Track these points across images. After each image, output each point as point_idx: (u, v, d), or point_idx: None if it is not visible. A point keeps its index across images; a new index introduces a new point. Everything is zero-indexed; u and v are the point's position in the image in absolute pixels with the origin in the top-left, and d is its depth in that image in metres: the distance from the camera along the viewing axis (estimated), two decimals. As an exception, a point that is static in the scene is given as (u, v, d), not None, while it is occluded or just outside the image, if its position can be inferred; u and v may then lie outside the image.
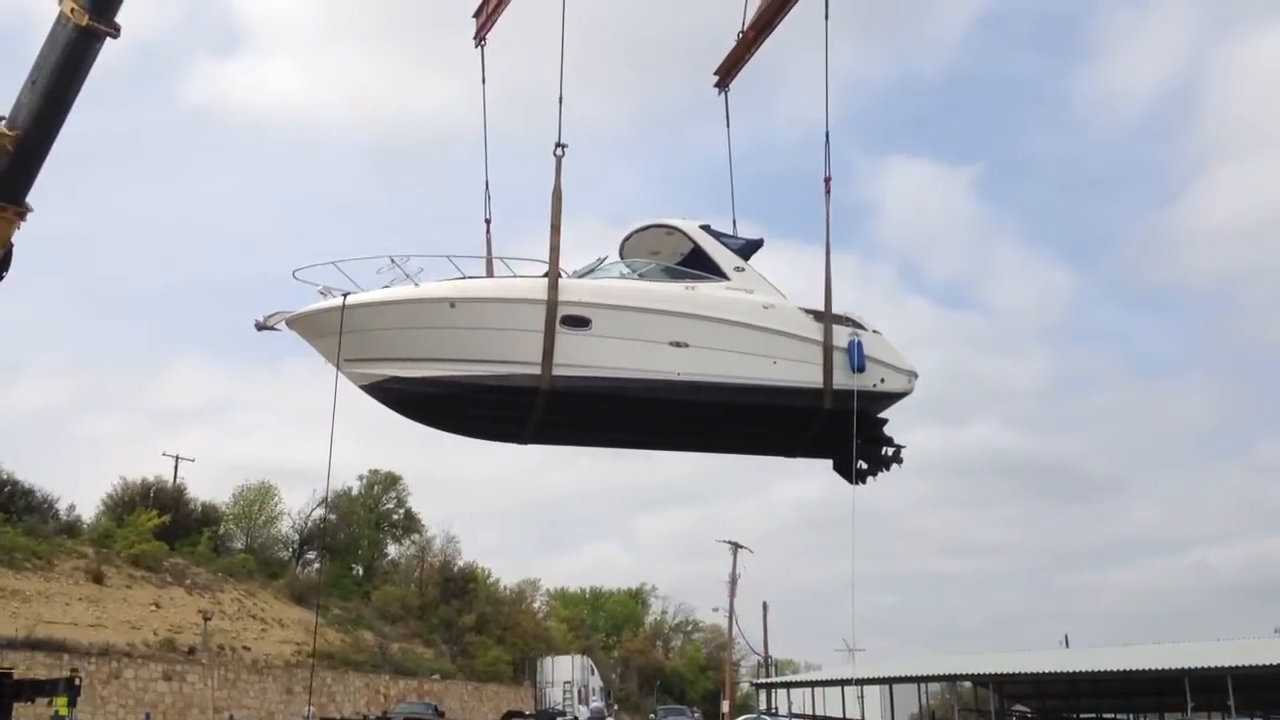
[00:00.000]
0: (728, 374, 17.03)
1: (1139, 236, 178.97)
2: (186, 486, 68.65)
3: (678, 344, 16.80)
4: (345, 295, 16.13)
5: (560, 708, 65.75)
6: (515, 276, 16.98)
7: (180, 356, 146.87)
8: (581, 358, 16.36)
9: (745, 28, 20.75)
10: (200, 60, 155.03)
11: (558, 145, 16.96)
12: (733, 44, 21.14)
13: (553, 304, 16.26)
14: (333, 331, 16.19)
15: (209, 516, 68.48)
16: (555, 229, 16.66)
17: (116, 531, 58.35)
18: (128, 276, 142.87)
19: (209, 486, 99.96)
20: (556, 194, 16.82)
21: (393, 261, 16.23)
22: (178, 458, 69.19)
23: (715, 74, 21.56)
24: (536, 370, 16.21)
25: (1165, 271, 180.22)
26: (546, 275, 16.54)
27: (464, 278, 16.79)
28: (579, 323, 16.43)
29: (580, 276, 17.45)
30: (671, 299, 17.18)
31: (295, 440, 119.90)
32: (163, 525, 59.30)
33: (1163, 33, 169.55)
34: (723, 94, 21.35)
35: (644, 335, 16.69)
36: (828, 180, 18.27)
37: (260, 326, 16.72)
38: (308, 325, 16.69)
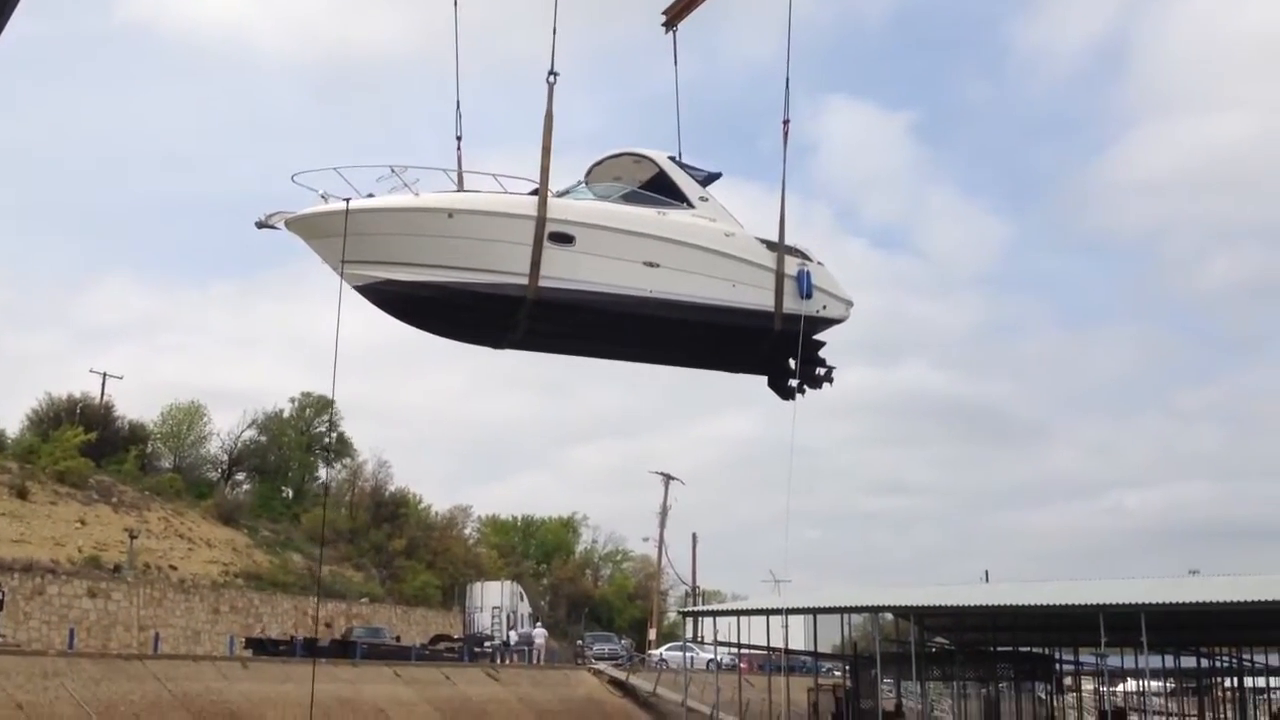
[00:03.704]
0: (693, 294, 18.52)
1: (1070, 187, 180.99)
2: (114, 404, 67.69)
3: (650, 264, 18.22)
4: (348, 200, 16.92)
5: (489, 632, 66.37)
6: (506, 193, 17.86)
7: (107, 274, 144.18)
8: (564, 272, 17.57)
9: None
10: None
11: (550, 72, 17.96)
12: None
13: (541, 220, 17.39)
14: (332, 234, 17.08)
15: (136, 435, 67.46)
16: (546, 151, 17.68)
17: (41, 447, 57.48)
18: (55, 191, 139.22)
19: (137, 405, 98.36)
20: (548, 118, 17.82)
21: (392, 170, 17.20)
22: (105, 374, 67.97)
23: (664, 14, 21.28)
24: (524, 281, 17.35)
25: (1095, 222, 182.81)
26: (536, 193, 17.58)
27: (459, 190, 17.78)
28: (564, 239, 17.63)
29: (559, 197, 18.36)
30: (646, 222, 18.59)
31: (224, 362, 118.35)
32: (89, 442, 58.44)
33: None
34: (670, 33, 21.33)
35: (621, 254, 18.07)
36: (786, 123, 19.76)
37: (260, 224, 17.46)
38: (308, 226, 17.50)
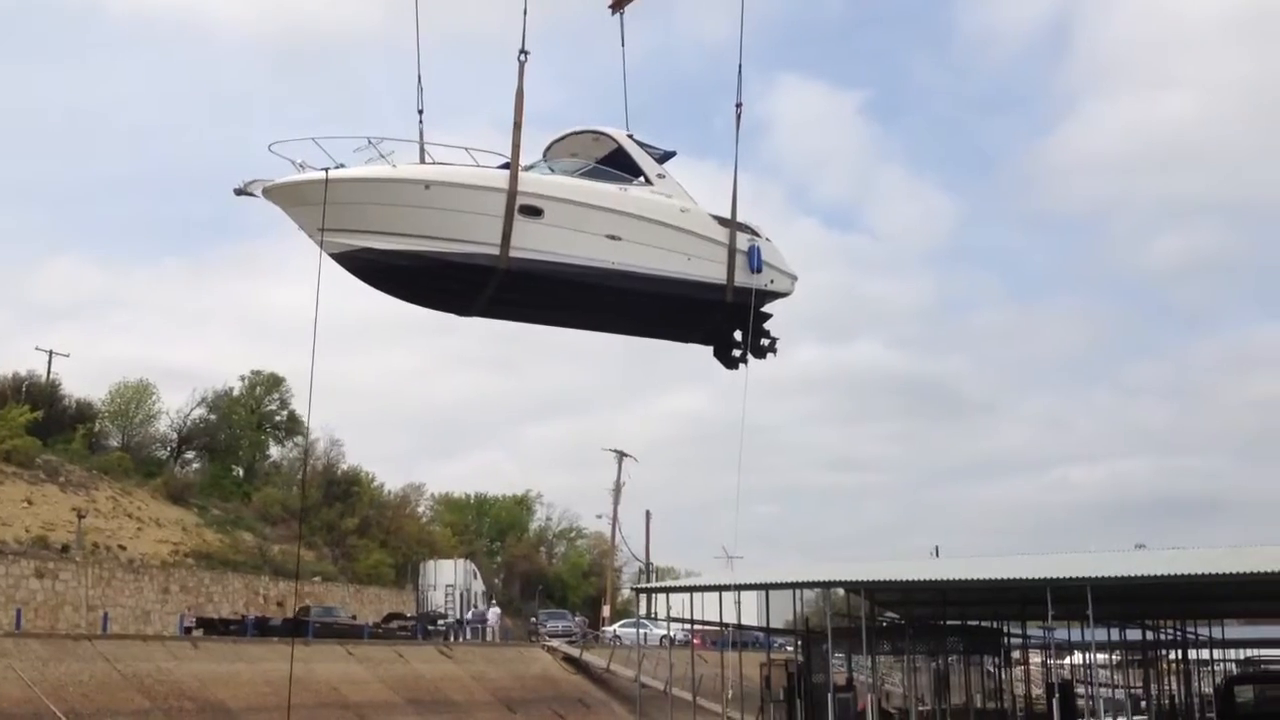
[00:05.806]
0: (651, 266, 19.45)
1: (1019, 163, 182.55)
2: (61, 382, 66.84)
3: (612, 237, 19.09)
4: (327, 170, 17.36)
5: (442, 610, 66.30)
6: (479, 166, 18.49)
7: (54, 252, 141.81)
8: (533, 243, 18.33)
9: None
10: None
11: (521, 51, 18.60)
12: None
13: (513, 194, 18.07)
14: (311, 202, 17.53)
15: (84, 413, 66.68)
16: (517, 127, 18.41)
17: (-15, 426, 56.65)
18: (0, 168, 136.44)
19: (84, 384, 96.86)
20: (519, 95, 18.49)
21: (369, 142, 17.75)
22: (51, 352, 67.14)
23: None
24: (495, 251, 18.04)
25: (1043, 198, 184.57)
26: (506, 167, 18.29)
27: (433, 163, 18.40)
28: (533, 212, 18.36)
29: (525, 171, 19.01)
30: (609, 197, 19.40)
31: (174, 340, 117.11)
32: (35, 421, 57.71)
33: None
34: (617, 14, 21.64)
35: (586, 227, 18.93)
36: (739, 106, 20.77)
37: (239, 191, 17.90)
38: (287, 195, 17.92)
